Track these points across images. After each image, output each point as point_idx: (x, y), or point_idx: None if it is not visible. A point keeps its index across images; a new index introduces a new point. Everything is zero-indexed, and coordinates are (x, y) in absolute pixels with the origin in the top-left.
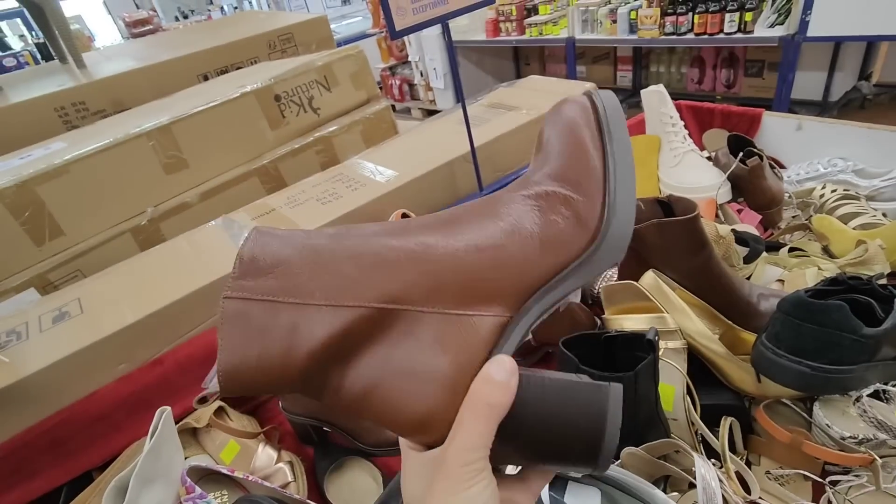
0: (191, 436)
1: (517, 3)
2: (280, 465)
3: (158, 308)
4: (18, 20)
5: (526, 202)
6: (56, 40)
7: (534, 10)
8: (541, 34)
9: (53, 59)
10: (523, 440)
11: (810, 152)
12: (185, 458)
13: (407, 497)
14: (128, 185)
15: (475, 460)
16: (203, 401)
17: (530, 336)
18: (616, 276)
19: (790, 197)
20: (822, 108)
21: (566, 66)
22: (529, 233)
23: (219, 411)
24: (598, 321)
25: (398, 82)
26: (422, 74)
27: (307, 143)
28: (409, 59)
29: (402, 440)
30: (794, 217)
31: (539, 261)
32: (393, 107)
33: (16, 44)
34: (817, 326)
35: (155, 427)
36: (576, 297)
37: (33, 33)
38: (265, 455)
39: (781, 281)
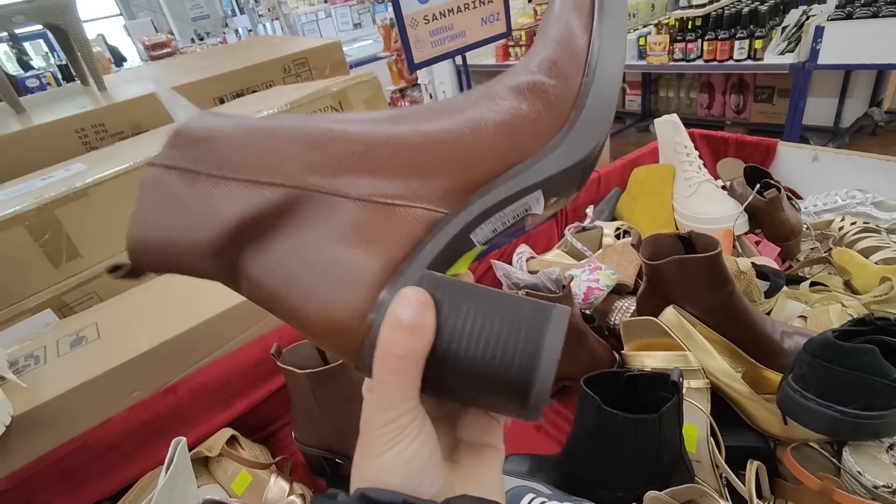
0: (202, 465)
1: (527, 28)
2: (292, 497)
3: (173, 335)
4: (41, 41)
5: (506, 94)
6: (78, 63)
7: None
8: None
9: (74, 79)
10: (446, 372)
11: (827, 183)
12: (198, 489)
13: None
14: None
15: (393, 419)
16: (114, 269)
17: None
18: (634, 308)
19: (808, 228)
20: (833, 134)
21: None
22: (486, 120)
23: (231, 440)
24: (617, 356)
25: (407, 104)
26: (431, 97)
27: None
28: (419, 81)
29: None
30: (812, 249)
31: (487, 150)
32: None
33: (38, 62)
34: (846, 370)
35: (170, 459)
36: (537, 208)
37: (55, 53)
38: (277, 487)
39: (804, 317)
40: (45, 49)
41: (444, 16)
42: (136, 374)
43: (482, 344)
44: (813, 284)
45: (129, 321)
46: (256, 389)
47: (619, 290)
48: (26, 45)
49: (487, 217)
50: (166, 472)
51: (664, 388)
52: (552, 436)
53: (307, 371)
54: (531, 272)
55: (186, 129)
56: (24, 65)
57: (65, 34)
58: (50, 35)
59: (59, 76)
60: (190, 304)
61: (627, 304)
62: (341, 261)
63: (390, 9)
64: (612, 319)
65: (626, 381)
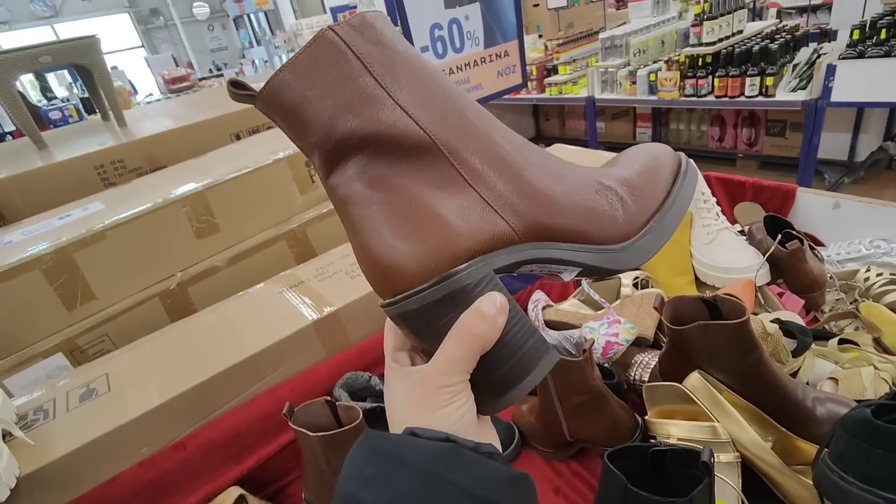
0: None
1: (538, 63)
2: None
3: (184, 390)
4: (65, 71)
5: (603, 188)
6: (100, 99)
7: (554, 71)
8: (560, 93)
9: (96, 112)
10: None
11: (849, 231)
12: None
13: (390, 410)
14: (160, 250)
15: (453, 384)
16: (238, 86)
17: (566, 431)
18: (655, 363)
19: (832, 278)
20: (848, 168)
21: (586, 122)
22: (582, 199)
23: (239, 500)
24: (640, 420)
25: None
26: None
27: (334, 210)
28: None
29: (387, 359)
30: (837, 300)
31: (570, 222)
32: None
33: (61, 93)
34: (889, 452)
35: None
36: (567, 276)
37: (78, 84)
38: None
39: (834, 379)
40: (69, 79)
41: (461, 69)
42: (146, 429)
43: (505, 351)
44: (841, 341)
45: (141, 373)
46: (266, 444)
47: (638, 343)
48: (50, 75)
49: (539, 262)
50: None
51: (693, 464)
52: (570, 499)
53: (319, 434)
54: (546, 321)
55: (372, 23)
56: (46, 94)
57: (89, 73)
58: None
59: (81, 108)
60: (202, 355)
61: (648, 359)
62: (442, 221)
63: None
64: (633, 374)
65: (652, 455)
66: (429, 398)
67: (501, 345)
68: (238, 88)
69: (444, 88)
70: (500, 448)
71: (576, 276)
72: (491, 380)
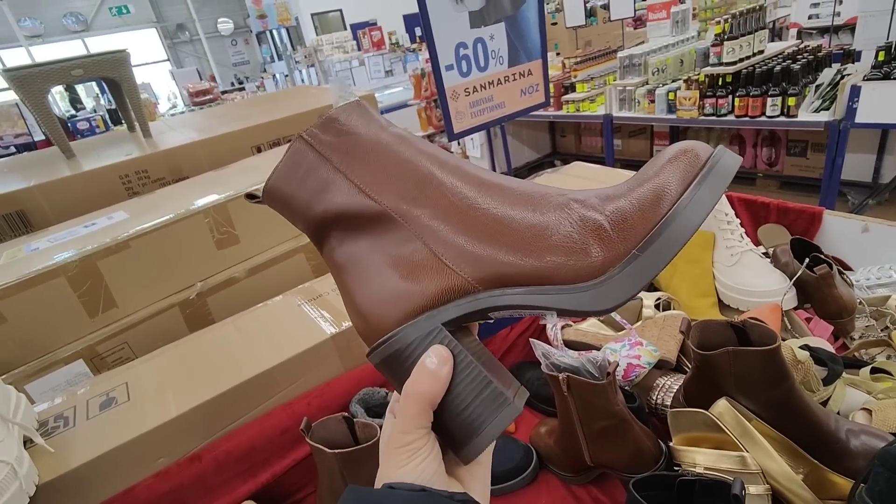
0: None
1: (555, 81)
2: None
3: (202, 401)
4: (93, 83)
5: (574, 219)
6: (128, 111)
7: (571, 88)
8: (577, 110)
9: (122, 123)
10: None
11: (878, 256)
12: None
13: (388, 442)
14: (181, 260)
15: (411, 441)
16: (251, 197)
17: (587, 455)
18: (678, 387)
19: (861, 304)
20: (872, 189)
21: (602, 139)
22: (547, 235)
23: None
24: (664, 447)
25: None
26: (459, 144)
27: None
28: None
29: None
30: (867, 327)
31: (534, 263)
32: None
33: (89, 104)
34: None
35: None
36: (551, 320)
37: (105, 96)
38: None
39: (868, 410)
40: (97, 91)
41: (485, 88)
42: (164, 440)
43: (457, 403)
44: (874, 370)
45: (160, 383)
46: (281, 459)
47: (660, 366)
48: (79, 86)
49: (508, 309)
50: None
51: (723, 496)
52: None
53: (337, 451)
54: (566, 341)
55: (336, 117)
56: (76, 105)
57: (118, 86)
58: (105, 86)
59: (108, 118)
60: (220, 367)
61: (671, 382)
62: (394, 282)
63: (421, 58)
64: (655, 398)
65: (679, 485)
66: (392, 456)
67: (451, 397)
68: (252, 199)
69: (398, 158)
70: (480, 498)
71: (556, 319)
72: (450, 431)
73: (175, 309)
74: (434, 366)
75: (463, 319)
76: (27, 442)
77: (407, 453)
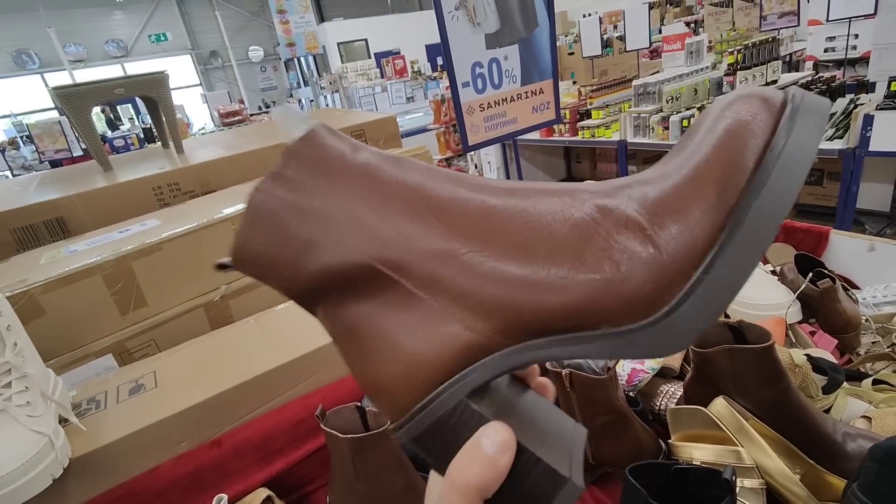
0: None
1: (571, 107)
2: None
3: (225, 389)
4: (129, 105)
5: (590, 230)
6: (163, 128)
7: (587, 115)
8: (593, 136)
9: (155, 141)
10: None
11: (884, 275)
12: None
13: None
14: (208, 264)
15: None
16: (222, 267)
17: (589, 454)
18: (681, 394)
19: (868, 321)
20: (890, 219)
21: (617, 165)
22: (571, 277)
23: (266, 501)
24: (663, 445)
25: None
26: (476, 167)
27: None
28: (463, 151)
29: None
30: (874, 343)
31: (559, 294)
32: None
33: (125, 124)
34: None
35: None
36: (592, 364)
37: (140, 117)
38: None
39: (867, 418)
40: (132, 113)
41: (499, 104)
42: (187, 424)
43: (511, 493)
44: (876, 382)
45: (185, 372)
46: (296, 449)
47: (664, 374)
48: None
49: (543, 360)
50: None
51: (715, 485)
52: None
53: (349, 436)
54: None
55: (294, 158)
56: (112, 125)
57: (155, 104)
58: (138, 100)
59: (143, 137)
60: (241, 359)
61: (674, 389)
62: (396, 346)
63: (441, 86)
64: (658, 404)
65: (674, 473)
66: None
67: (508, 485)
68: (223, 268)
69: (382, 192)
70: None
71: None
72: None
73: (200, 310)
74: (493, 451)
75: (500, 376)
76: (62, 420)
77: None
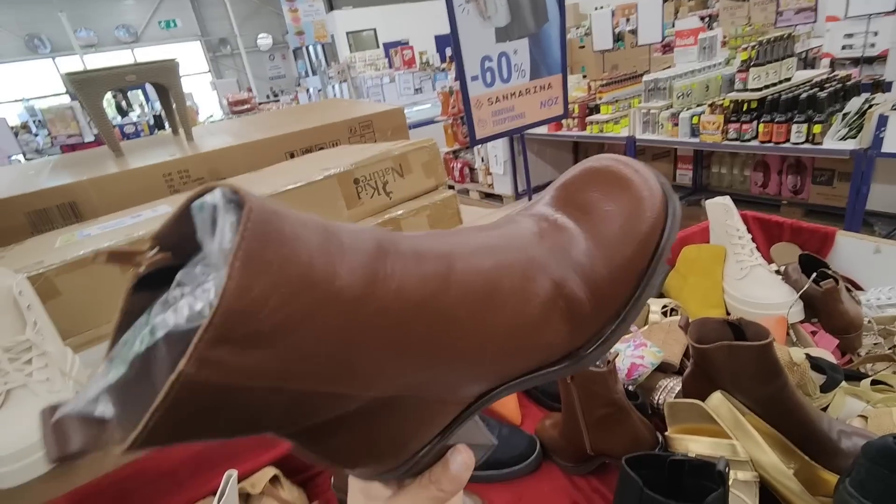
0: (243, 501)
1: (580, 102)
2: None
3: None
4: (139, 92)
5: (551, 291)
6: (173, 115)
7: (596, 109)
8: (601, 131)
9: (165, 128)
10: None
11: (890, 277)
12: None
13: None
14: None
15: None
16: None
17: (588, 444)
18: (680, 389)
19: (870, 322)
20: None
21: None
22: (541, 331)
23: (273, 480)
24: (660, 438)
25: (459, 165)
26: (483, 160)
27: (377, 224)
28: (470, 145)
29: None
30: (875, 344)
31: (519, 364)
32: (452, 186)
33: (136, 110)
34: None
35: (222, 491)
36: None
37: (150, 104)
38: None
39: (864, 417)
40: (142, 99)
41: (507, 98)
42: None
43: None
44: (875, 383)
45: None
46: None
47: (663, 369)
48: (130, 95)
49: (507, 394)
50: None
51: (710, 477)
52: None
53: None
54: None
55: (241, 309)
56: (122, 111)
57: (166, 91)
58: (148, 88)
59: (153, 124)
60: None
61: (673, 384)
62: (401, 440)
63: (450, 77)
64: (657, 398)
65: (670, 465)
66: None
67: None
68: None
69: (322, 332)
70: None
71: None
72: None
73: None
74: (459, 468)
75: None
76: None
77: None
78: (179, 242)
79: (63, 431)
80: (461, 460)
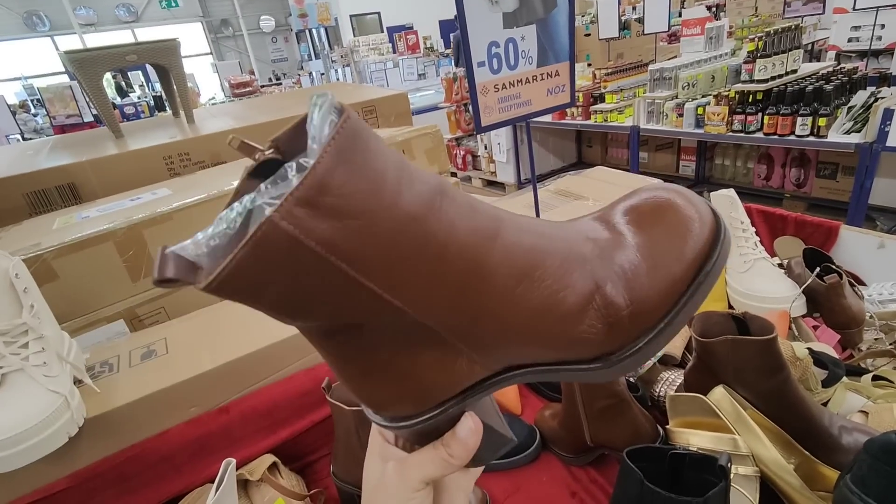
0: (242, 488)
1: (584, 90)
2: None
3: (234, 357)
4: (139, 72)
5: (591, 287)
6: (174, 97)
7: (600, 99)
8: (605, 121)
9: (165, 109)
10: None
11: (893, 272)
12: None
13: (365, 484)
14: None
15: (415, 496)
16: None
17: (587, 435)
18: (681, 382)
19: (872, 317)
20: None
21: (629, 151)
22: (554, 330)
23: (272, 467)
24: (661, 431)
25: (462, 153)
26: (486, 148)
27: None
28: (475, 132)
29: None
30: (876, 340)
31: (554, 351)
32: (454, 174)
33: (136, 92)
34: None
35: (221, 479)
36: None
37: (150, 85)
38: None
39: (865, 413)
40: (142, 80)
41: (513, 85)
42: (197, 390)
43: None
44: (876, 378)
45: (195, 340)
46: (300, 419)
47: (665, 362)
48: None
49: (525, 382)
50: (216, 492)
51: (711, 471)
52: (586, 503)
53: (354, 408)
54: None
55: (324, 182)
56: (122, 92)
57: (167, 72)
58: (149, 69)
59: (153, 105)
60: (250, 330)
61: (674, 377)
62: (421, 378)
63: (453, 62)
64: (658, 391)
65: (671, 458)
66: (392, 499)
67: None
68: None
69: (413, 250)
70: None
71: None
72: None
73: None
74: (466, 434)
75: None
76: (77, 382)
77: (409, 500)
78: (291, 148)
79: (165, 262)
80: (469, 425)
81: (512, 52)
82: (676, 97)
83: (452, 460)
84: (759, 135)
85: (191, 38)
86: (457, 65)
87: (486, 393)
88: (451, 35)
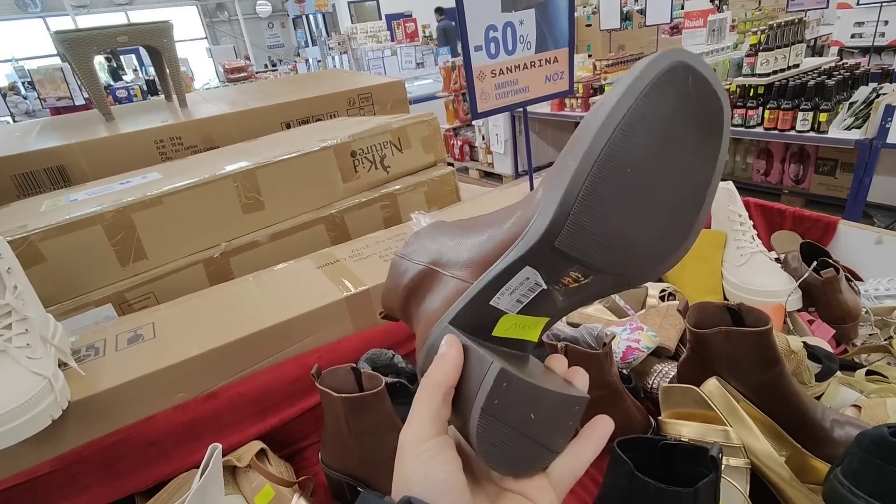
0: (230, 474)
1: (585, 81)
2: None
3: (222, 343)
4: (133, 56)
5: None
6: (166, 80)
7: (600, 90)
8: None
9: (158, 93)
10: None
11: (890, 268)
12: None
13: (399, 451)
14: (208, 220)
15: (424, 451)
16: (386, 317)
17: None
18: (674, 374)
19: (867, 313)
20: None
21: None
22: (495, 222)
23: (260, 453)
24: (653, 422)
25: (460, 143)
26: (483, 138)
27: (374, 198)
28: (473, 122)
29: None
30: (871, 335)
31: (497, 237)
32: (451, 164)
33: (128, 75)
34: None
35: (206, 464)
36: (541, 282)
37: (143, 69)
38: None
39: (857, 407)
40: (136, 64)
41: (511, 71)
42: (184, 375)
43: (469, 384)
44: (870, 373)
45: (183, 325)
46: (290, 406)
47: (658, 354)
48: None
49: (497, 288)
50: (201, 477)
51: (701, 462)
52: (576, 494)
53: (343, 395)
54: (570, 324)
55: (416, 235)
56: (115, 75)
57: (159, 55)
58: (142, 52)
59: (146, 89)
60: (240, 316)
61: (667, 369)
62: (436, 308)
63: (451, 51)
64: (651, 383)
65: (662, 449)
66: (403, 467)
67: (464, 379)
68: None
69: (433, 238)
70: None
71: (544, 277)
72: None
73: (199, 265)
74: (444, 349)
75: (475, 316)
76: (62, 365)
77: (423, 458)
78: None
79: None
80: (442, 344)
81: (510, 36)
82: None
83: (426, 380)
84: (760, 129)
85: (185, 23)
86: (439, 47)
87: (467, 314)
88: (437, 23)
